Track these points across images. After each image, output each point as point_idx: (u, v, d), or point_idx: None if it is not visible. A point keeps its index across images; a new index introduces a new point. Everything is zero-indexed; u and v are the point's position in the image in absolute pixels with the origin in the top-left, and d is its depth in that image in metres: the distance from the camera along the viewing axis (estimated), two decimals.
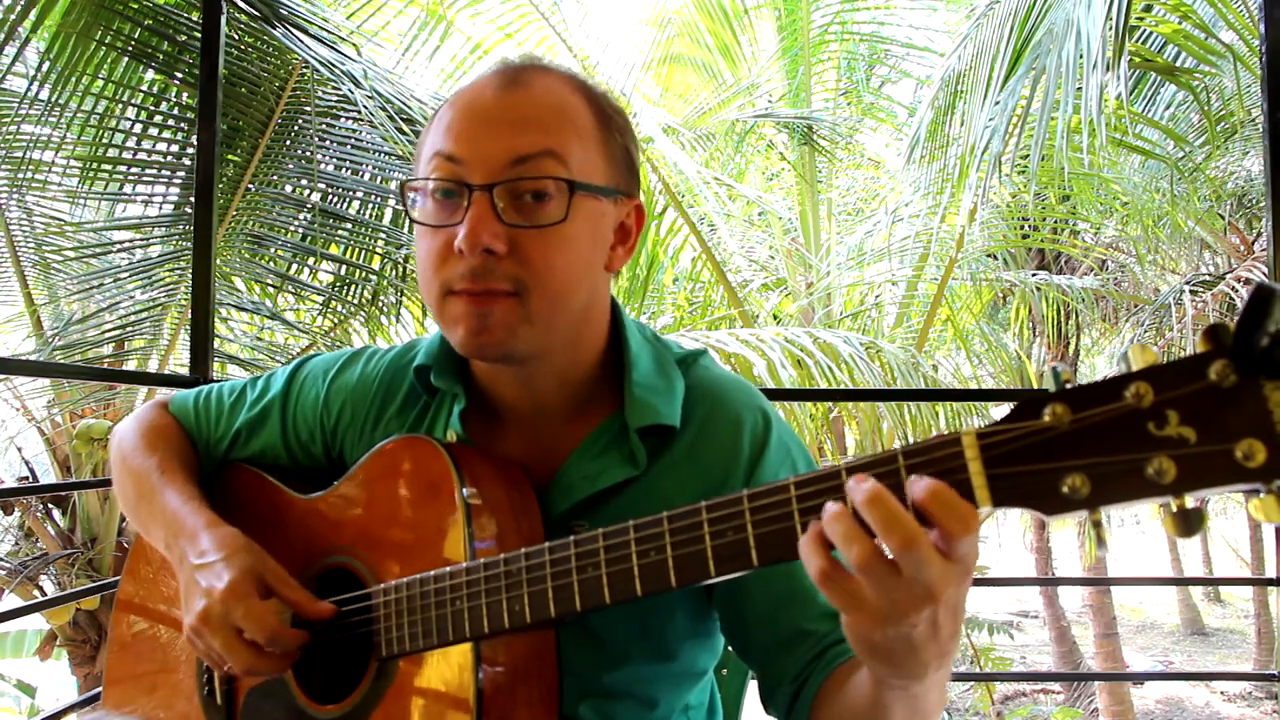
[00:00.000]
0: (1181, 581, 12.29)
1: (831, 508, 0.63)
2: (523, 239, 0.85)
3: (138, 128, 4.11)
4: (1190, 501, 0.56)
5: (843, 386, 4.20)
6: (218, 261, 3.47)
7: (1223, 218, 8.04)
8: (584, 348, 0.96)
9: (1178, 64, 4.55)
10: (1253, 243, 8.00)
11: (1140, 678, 12.12)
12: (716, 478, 0.93)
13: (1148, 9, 4.09)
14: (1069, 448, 0.58)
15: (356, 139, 4.45)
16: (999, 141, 4.25)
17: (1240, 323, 0.53)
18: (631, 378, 0.95)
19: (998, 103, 4.32)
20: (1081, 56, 3.23)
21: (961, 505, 0.60)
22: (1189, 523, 0.56)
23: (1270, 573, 8.54)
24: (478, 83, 0.91)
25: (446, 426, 1.00)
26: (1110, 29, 3.16)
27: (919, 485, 0.60)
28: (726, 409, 0.96)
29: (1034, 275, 7.67)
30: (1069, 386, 0.59)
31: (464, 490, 0.87)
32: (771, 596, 0.90)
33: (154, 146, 4.18)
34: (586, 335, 0.96)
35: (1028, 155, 5.13)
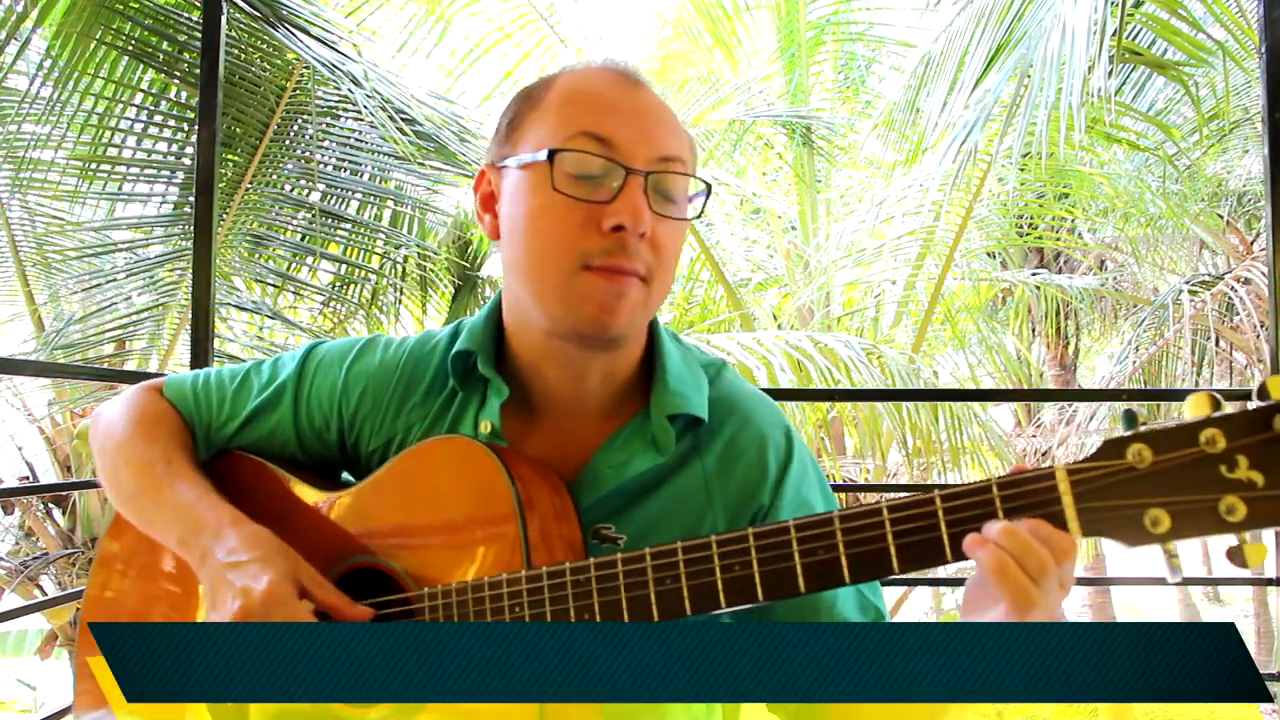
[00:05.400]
0: (1181, 581, 12.29)
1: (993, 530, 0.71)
2: (658, 227, 0.89)
3: (138, 127, 4.12)
4: (1249, 537, 0.63)
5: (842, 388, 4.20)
6: (217, 261, 3.47)
7: (1222, 217, 8.05)
8: (640, 337, 0.99)
9: (1167, 58, 4.56)
10: (1252, 243, 8.00)
11: None
12: (745, 495, 0.94)
13: (1138, 4, 4.09)
14: (1151, 486, 0.66)
15: (357, 139, 4.46)
16: (979, 133, 4.26)
17: None
18: (667, 370, 0.97)
19: (987, 92, 4.33)
20: (1065, 61, 3.24)
21: (1063, 539, 0.69)
22: (1248, 557, 0.63)
23: (1270, 573, 8.54)
24: (596, 73, 0.93)
25: (477, 417, 0.98)
26: (1096, 25, 3.18)
27: (1024, 525, 0.69)
28: (754, 427, 0.97)
29: (1033, 275, 7.67)
30: (1145, 428, 0.66)
31: (518, 495, 0.86)
32: (793, 607, 0.91)
33: (154, 146, 4.19)
34: None
35: (1026, 153, 5.15)
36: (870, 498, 4.53)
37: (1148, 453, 0.65)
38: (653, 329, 1.01)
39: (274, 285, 4.66)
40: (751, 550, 0.75)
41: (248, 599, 0.87)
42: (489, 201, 0.97)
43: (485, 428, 0.96)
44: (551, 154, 0.88)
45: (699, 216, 0.95)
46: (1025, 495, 0.69)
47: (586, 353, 0.93)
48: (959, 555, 0.71)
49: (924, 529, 0.71)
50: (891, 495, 0.77)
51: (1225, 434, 0.63)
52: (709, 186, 0.94)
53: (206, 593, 0.94)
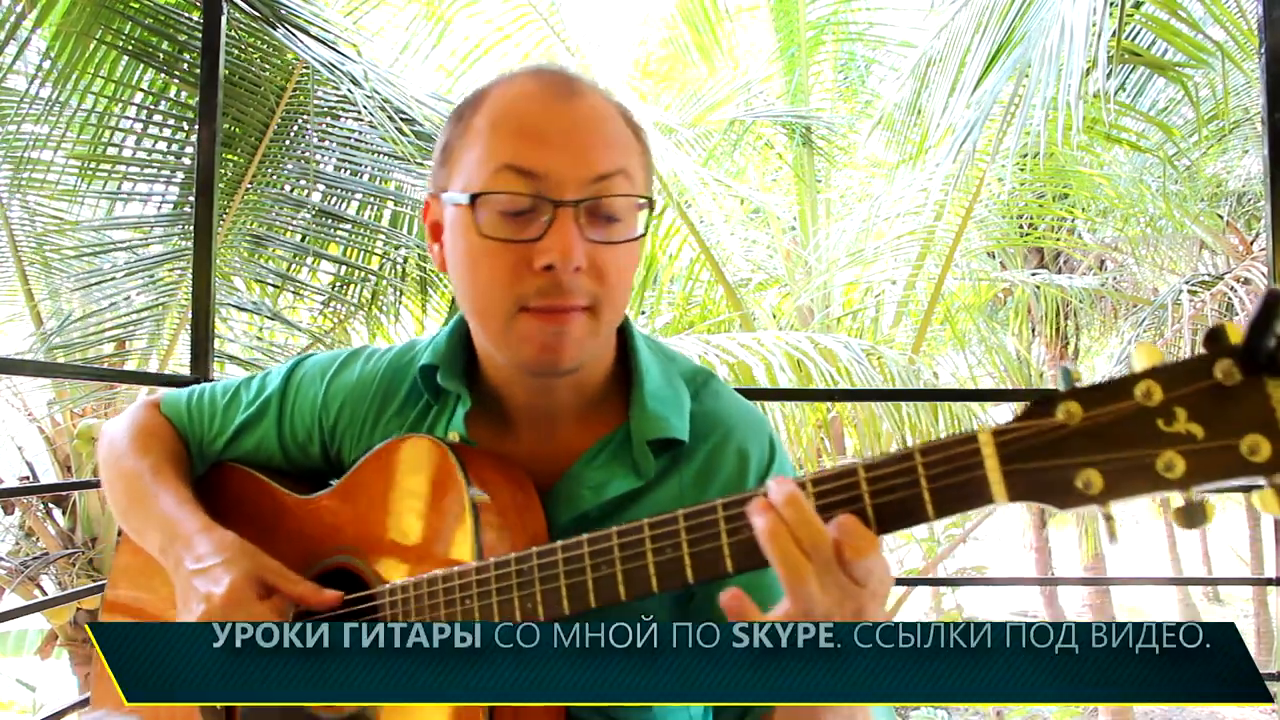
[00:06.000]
0: (1181, 581, 12.28)
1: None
2: (598, 254, 0.85)
3: (138, 127, 4.11)
4: (1196, 495, 0.58)
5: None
6: (217, 261, 3.47)
7: (1221, 217, 8.05)
8: (604, 353, 0.97)
9: (1166, 58, 4.56)
10: (1251, 243, 8.01)
11: None
12: None
13: (1138, 4, 4.09)
14: (1082, 444, 0.61)
15: (357, 139, 4.45)
16: (979, 133, 4.26)
17: (1251, 325, 0.55)
18: (644, 388, 0.95)
19: (987, 92, 4.33)
20: (1063, 63, 3.24)
21: (861, 533, 0.67)
22: (1195, 516, 0.59)
23: (1270, 573, 8.54)
24: (524, 89, 0.88)
25: (448, 428, 0.98)
26: (1095, 24, 3.18)
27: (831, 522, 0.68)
28: (735, 443, 0.96)
29: (1033, 275, 7.67)
30: (1079, 385, 0.61)
31: (470, 490, 0.87)
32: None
33: (154, 146, 4.19)
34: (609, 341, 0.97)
35: (1026, 153, 5.15)
36: None
37: (1077, 409, 0.60)
38: (626, 333, 0.99)
39: (274, 285, 4.66)
40: (681, 532, 0.74)
41: (209, 603, 0.90)
42: (437, 231, 0.95)
43: (453, 438, 0.97)
44: (474, 198, 0.85)
45: (643, 235, 0.89)
46: (948, 460, 0.65)
47: (547, 380, 0.93)
48: (884, 528, 0.68)
49: (848, 501, 0.69)
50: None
51: (1162, 385, 0.58)
52: (651, 202, 0.90)
53: (178, 599, 0.97)
